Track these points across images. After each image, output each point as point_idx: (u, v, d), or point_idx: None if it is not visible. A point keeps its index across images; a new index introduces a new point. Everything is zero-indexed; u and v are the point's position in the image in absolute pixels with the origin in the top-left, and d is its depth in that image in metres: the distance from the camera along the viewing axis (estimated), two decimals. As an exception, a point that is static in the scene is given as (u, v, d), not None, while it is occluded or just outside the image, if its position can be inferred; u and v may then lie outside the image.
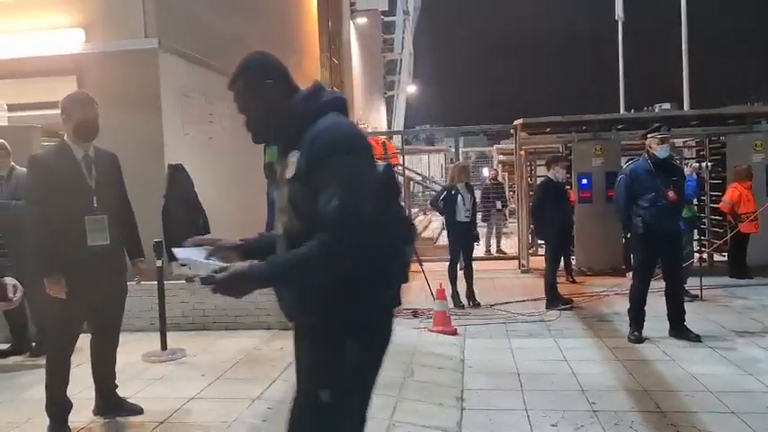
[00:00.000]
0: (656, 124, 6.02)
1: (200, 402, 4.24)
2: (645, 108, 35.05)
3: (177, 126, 7.64)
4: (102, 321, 3.91)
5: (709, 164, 9.50)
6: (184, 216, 6.97)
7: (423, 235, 12.95)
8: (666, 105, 33.71)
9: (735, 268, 8.95)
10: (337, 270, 1.90)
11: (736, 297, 7.77)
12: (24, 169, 4.26)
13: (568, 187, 9.08)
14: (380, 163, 2.18)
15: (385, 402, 4.41)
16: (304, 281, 1.97)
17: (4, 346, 5.67)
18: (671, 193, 5.73)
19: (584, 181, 9.82)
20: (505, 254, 12.35)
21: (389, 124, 26.57)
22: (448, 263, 8.03)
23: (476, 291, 7.93)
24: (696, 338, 5.78)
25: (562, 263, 8.68)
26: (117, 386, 4.08)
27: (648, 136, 5.90)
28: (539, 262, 9.54)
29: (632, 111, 26.85)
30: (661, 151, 5.81)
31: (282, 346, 5.58)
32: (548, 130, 10.97)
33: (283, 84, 2.14)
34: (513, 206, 13.36)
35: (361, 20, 21.61)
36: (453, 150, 24.12)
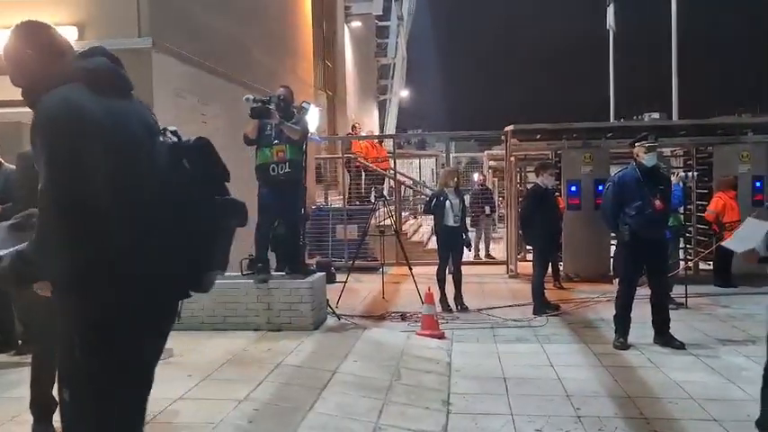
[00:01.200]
0: (644, 133, 6.10)
1: (186, 403, 4.24)
2: (635, 117, 35.25)
3: (169, 123, 7.62)
4: None
5: (695, 173, 9.60)
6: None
7: (413, 239, 12.99)
8: (656, 115, 33.94)
9: (720, 277, 9.05)
10: (53, 258, 1.87)
11: (720, 305, 7.86)
12: (14, 166, 4.24)
13: (557, 194, 9.15)
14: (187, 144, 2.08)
15: (372, 405, 4.43)
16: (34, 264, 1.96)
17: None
18: (657, 202, 5.80)
19: (573, 188, 9.90)
20: (494, 259, 12.42)
21: (382, 128, 26.61)
22: (437, 267, 8.07)
23: (464, 295, 7.97)
24: (680, 346, 5.84)
25: (550, 269, 8.74)
26: None
27: (636, 145, 5.98)
28: (527, 267, 9.61)
29: (622, 119, 27.04)
30: (648, 160, 5.89)
31: (270, 347, 5.59)
32: (538, 137, 11.05)
33: (45, 54, 2.04)
34: (503, 211, 13.43)
35: (356, 24, 21.64)
36: (444, 155, 24.16)
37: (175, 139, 2.15)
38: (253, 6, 10.37)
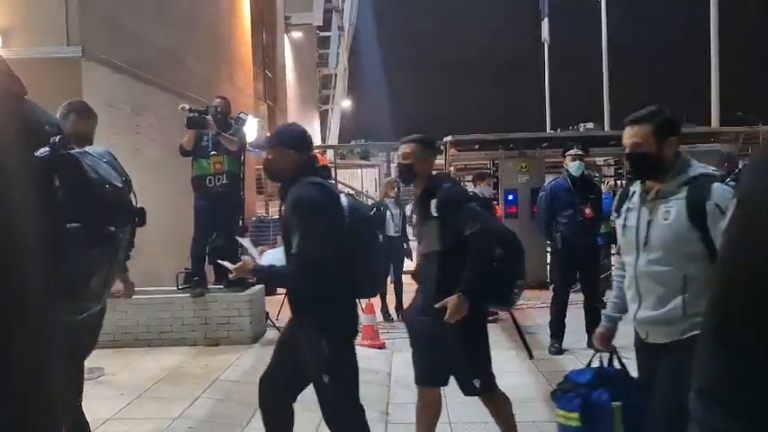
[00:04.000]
0: (570, 143, 6.34)
1: (117, 423, 4.11)
2: (570, 127, 36.40)
3: (101, 137, 7.39)
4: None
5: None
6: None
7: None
8: (590, 125, 35.13)
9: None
10: None
11: (650, 309, 8.14)
12: None
13: (495, 203, 9.34)
14: None
15: (310, 418, 4.39)
16: None
17: None
18: (587, 210, 6.02)
19: (511, 197, 10.12)
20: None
21: (324, 138, 26.57)
22: (378, 277, 8.09)
23: (404, 304, 8.01)
24: (612, 349, 6.03)
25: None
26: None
27: (565, 154, 6.20)
28: (467, 276, 9.71)
29: (558, 129, 27.89)
30: (573, 168, 6.10)
31: (207, 363, 5.48)
32: (476, 147, 11.28)
33: None
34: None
35: (297, 34, 21.59)
36: (386, 165, 24.31)
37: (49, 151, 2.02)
38: (188, 15, 10.21)
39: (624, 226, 2.78)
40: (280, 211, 3.30)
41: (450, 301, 3.34)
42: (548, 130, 23.41)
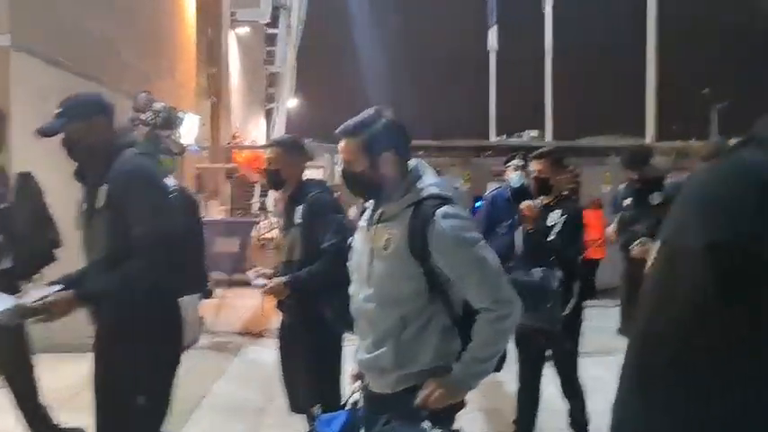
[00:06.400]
0: (512, 154, 6.41)
1: None
2: (515, 134, 36.92)
3: (31, 131, 7.07)
4: None
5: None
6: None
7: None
8: (534, 132, 35.79)
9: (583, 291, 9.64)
10: None
11: (583, 319, 8.32)
12: None
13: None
14: None
15: (243, 428, 4.31)
16: None
17: None
18: (526, 221, 6.09)
19: (453, 204, 10.21)
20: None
21: (268, 137, 26.20)
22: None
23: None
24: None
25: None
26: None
27: (506, 165, 6.28)
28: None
29: (504, 137, 28.32)
30: (514, 180, 6.17)
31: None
32: (420, 153, 11.34)
33: None
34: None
35: (244, 30, 21.21)
36: (334, 166, 24.10)
37: None
38: (127, 6, 9.88)
39: (353, 248, 2.35)
40: (89, 205, 2.69)
41: (277, 279, 3.25)
42: (493, 138, 23.80)
